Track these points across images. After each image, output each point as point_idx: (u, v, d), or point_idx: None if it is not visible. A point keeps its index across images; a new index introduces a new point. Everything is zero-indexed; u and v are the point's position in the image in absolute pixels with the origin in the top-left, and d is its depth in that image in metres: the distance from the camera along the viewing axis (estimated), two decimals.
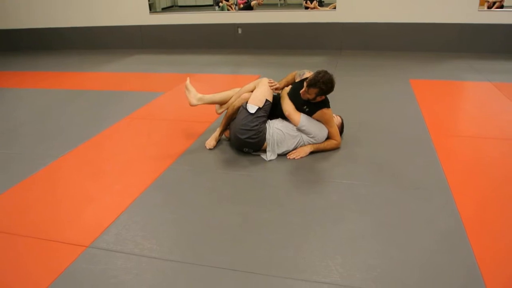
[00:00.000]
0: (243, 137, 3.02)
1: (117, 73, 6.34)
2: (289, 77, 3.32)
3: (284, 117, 3.15)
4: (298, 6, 7.92)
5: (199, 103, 3.31)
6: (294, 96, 3.12)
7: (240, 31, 7.79)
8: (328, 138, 3.17)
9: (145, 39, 8.29)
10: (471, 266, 1.92)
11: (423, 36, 6.94)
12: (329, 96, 3.11)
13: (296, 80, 3.22)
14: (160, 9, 8.93)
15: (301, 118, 3.06)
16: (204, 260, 2.02)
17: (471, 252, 2.00)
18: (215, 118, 3.83)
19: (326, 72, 2.93)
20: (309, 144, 3.12)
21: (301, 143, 3.11)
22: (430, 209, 2.38)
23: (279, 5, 8.92)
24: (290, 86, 3.28)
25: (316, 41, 7.51)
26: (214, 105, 3.45)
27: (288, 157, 3.08)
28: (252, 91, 3.18)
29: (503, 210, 2.36)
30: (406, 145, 3.28)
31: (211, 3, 8.82)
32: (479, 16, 6.61)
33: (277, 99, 3.21)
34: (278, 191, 2.67)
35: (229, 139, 3.35)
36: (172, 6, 9.76)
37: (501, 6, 6.69)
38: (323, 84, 2.88)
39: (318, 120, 3.12)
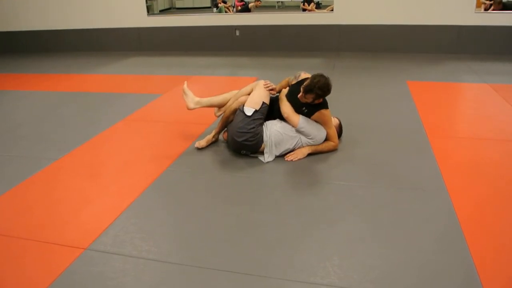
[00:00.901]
0: (240, 140, 3.02)
1: (115, 75, 6.34)
2: (283, 83, 3.36)
3: (282, 118, 3.16)
4: (295, 8, 7.93)
5: (197, 106, 3.33)
6: (292, 98, 3.12)
7: (238, 33, 7.80)
8: (326, 139, 3.18)
9: (143, 41, 8.29)
10: (468, 266, 1.92)
11: (420, 37, 6.96)
12: (326, 98, 3.11)
13: (292, 83, 3.22)
14: (158, 11, 8.93)
15: (299, 120, 3.07)
16: (202, 261, 2.02)
17: (468, 253, 2.01)
18: (213, 120, 3.84)
19: (321, 76, 2.94)
20: (307, 145, 3.13)
21: (299, 144, 3.12)
22: (428, 210, 2.39)
23: (276, 7, 8.93)
24: (287, 88, 3.29)
25: (314, 43, 7.52)
26: (212, 108, 3.46)
27: (286, 159, 3.08)
28: (249, 94, 3.18)
29: (500, 211, 2.37)
30: (403, 146, 3.29)
31: (209, 5, 8.84)
32: (475, 18, 6.63)
33: (274, 101, 3.22)
34: (276, 192, 2.67)
35: (226, 142, 3.35)
36: (170, 8, 9.76)
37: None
38: (319, 89, 2.90)
39: (316, 121, 3.13)
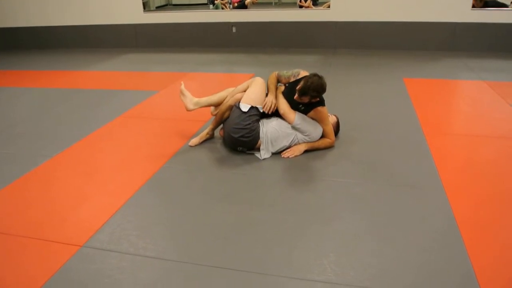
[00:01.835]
0: (236, 136, 3.02)
1: (111, 72, 6.31)
2: (272, 84, 3.19)
3: (279, 115, 3.15)
4: (292, 4, 7.92)
5: (196, 107, 3.30)
6: (289, 96, 3.12)
7: (234, 29, 7.78)
8: (322, 136, 3.18)
9: (139, 38, 8.26)
10: (464, 264, 1.93)
11: (416, 35, 6.97)
12: (324, 94, 3.11)
13: (291, 80, 3.20)
14: (154, 8, 8.90)
15: (295, 117, 3.07)
16: (199, 259, 2.02)
17: (465, 250, 2.02)
18: (209, 117, 3.83)
19: (315, 76, 2.94)
20: (304, 142, 3.13)
21: (296, 141, 3.12)
22: (424, 208, 2.40)
23: (273, 3, 8.92)
24: (282, 87, 3.28)
25: (311, 40, 7.51)
26: (207, 108, 3.46)
27: (282, 155, 3.08)
28: (245, 91, 3.18)
29: (496, 208, 2.38)
30: (400, 143, 3.30)
31: (205, 2, 8.81)
32: (472, 15, 6.64)
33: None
34: (273, 189, 2.67)
35: (223, 139, 3.35)
36: (166, 5, 9.73)
37: None
38: (313, 91, 2.91)
39: (313, 119, 3.13)
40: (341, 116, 3.54)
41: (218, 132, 3.48)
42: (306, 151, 3.12)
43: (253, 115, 3.04)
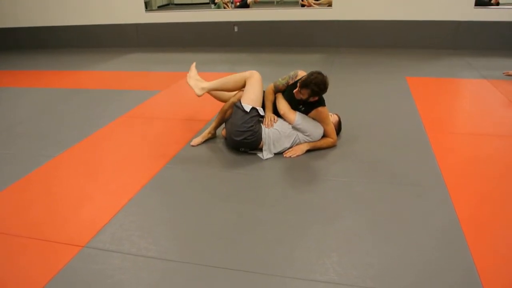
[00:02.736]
0: (239, 139, 3.02)
1: (113, 72, 6.32)
2: (268, 100, 3.19)
3: (280, 116, 3.15)
4: (294, 3, 7.90)
5: (204, 92, 3.24)
6: (290, 96, 3.11)
7: (236, 29, 7.78)
8: (324, 136, 3.17)
9: (141, 38, 8.26)
10: (467, 262, 1.92)
11: (419, 33, 6.95)
12: (325, 94, 3.10)
13: (290, 83, 3.16)
14: (156, 7, 8.90)
15: (296, 117, 3.06)
16: (201, 259, 2.02)
17: (467, 249, 2.01)
18: (211, 117, 3.83)
19: (319, 73, 2.92)
20: (305, 142, 3.12)
21: (297, 141, 3.11)
22: (427, 206, 2.39)
23: (275, 3, 8.89)
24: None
25: (313, 38, 7.50)
26: (208, 108, 3.47)
27: (284, 155, 3.07)
28: (243, 86, 3.19)
29: (498, 206, 2.37)
30: (402, 142, 3.28)
31: (207, 1, 8.79)
32: (475, 14, 6.61)
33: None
34: (274, 189, 2.66)
35: (225, 138, 3.34)
36: (168, 4, 9.72)
37: (497, 4, 6.69)
38: (315, 85, 2.87)
39: (313, 119, 3.12)
40: (343, 115, 3.53)
41: (220, 132, 3.47)
42: (308, 151, 3.11)
43: (255, 116, 3.04)
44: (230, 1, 8.00)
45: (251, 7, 7.95)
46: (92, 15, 8.28)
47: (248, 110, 3.00)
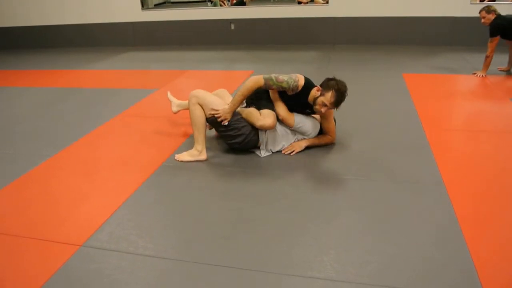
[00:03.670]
0: (235, 146, 3.06)
1: (109, 71, 6.30)
2: (242, 94, 2.89)
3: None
4: (291, 1, 7.90)
5: (179, 108, 3.52)
6: (292, 104, 3.02)
7: (233, 26, 7.76)
8: (323, 132, 3.17)
9: (137, 36, 8.24)
10: (465, 259, 1.93)
11: (416, 29, 6.95)
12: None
13: (289, 93, 2.93)
14: (153, 6, 8.88)
15: (295, 119, 3.04)
16: (199, 257, 2.01)
17: (465, 246, 2.01)
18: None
19: (336, 81, 2.86)
20: (304, 139, 3.11)
21: (295, 138, 3.10)
22: (424, 203, 2.39)
23: (272, 0, 8.89)
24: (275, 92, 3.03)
25: (309, 36, 7.50)
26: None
27: (283, 152, 3.07)
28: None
29: (497, 203, 2.37)
30: (399, 139, 3.29)
31: None
32: (471, 9, 6.61)
33: (263, 97, 3.09)
34: (273, 187, 2.66)
35: (219, 137, 3.34)
36: (164, 3, 9.71)
37: (493, 0, 6.70)
38: (346, 92, 2.87)
39: (313, 117, 3.12)
40: (340, 113, 3.51)
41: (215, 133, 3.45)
42: (306, 148, 3.11)
43: (236, 119, 2.96)
44: None
45: (247, 5, 7.94)
46: (88, 14, 8.25)
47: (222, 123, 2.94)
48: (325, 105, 2.83)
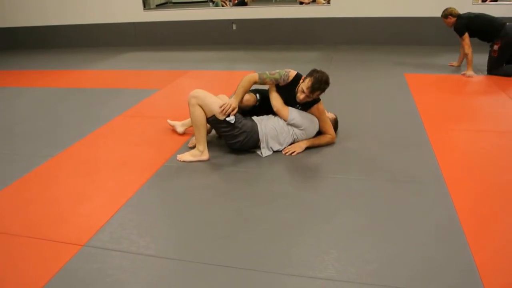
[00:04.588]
0: (235, 146, 3.06)
1: (111, 71, 6.31)
2: (243, 88, 3.01)
3: (274, 113, 3.13)
4: (292, 1, 7.91)
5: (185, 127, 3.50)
6: (285, 98, 3.09)
7: (234, 27, 7.77)
8: (321, 133, 3.17)
9: (139, 36, 8.25)
10: (466, 259, 1.93)
11: (417, 30, 6.94)
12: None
13: (281, 84, 3.07)
14: (154, 6, 8.90)
15: (289, 112, 3.05)
16: (200, 257, 2.02)
17: (467, 245, 2.01)
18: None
19: (318, 71, 2.92)
20: (302, 137, 3.11)
21: (295, 137, 3.10)
22: (426, 203, 2.39)
23: (273, 0, 8.90)
24: (272, 85, 3.15)
25: (311, 36, 7.50)
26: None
27: (283, 152, 3.08)
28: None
29: (498, 203, 2.37)
30: (401, 139, 3.29)
31: None
32: (473, 9, 6.59)
33: (266, 96, 3.19)
34: (273, 186, 2.67)
35: (219, 137, 3.35)
36: (166, 3, 9.73)
37: (495, 0, 6.70)
38: (326, 84, 2.90)
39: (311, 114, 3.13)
40: (342, 112, 3.53)
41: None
42: (306, 148, 3.11)
43: (237, 118, 2.98)
44: None
45: (249, 5, 7.95)
46: (89, 14, 8.27)
47: (228, 119, 2.94)
48: (303, 92, 2.91)
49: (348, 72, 5.47)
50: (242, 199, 2.54)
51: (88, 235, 2.22)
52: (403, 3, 6.86)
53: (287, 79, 3.05)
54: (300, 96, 2.95)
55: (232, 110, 2.91)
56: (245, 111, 3.19)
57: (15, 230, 2.30)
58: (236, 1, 8.03)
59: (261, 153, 3.06)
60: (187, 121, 3.46)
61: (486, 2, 6.70)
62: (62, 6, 8.31)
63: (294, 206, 2.42)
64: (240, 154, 3.10)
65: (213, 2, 8.12)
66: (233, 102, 2.94)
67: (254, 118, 3.12)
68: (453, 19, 5.09)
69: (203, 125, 2.98)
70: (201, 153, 3.02)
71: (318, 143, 3.15)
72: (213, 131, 3.44)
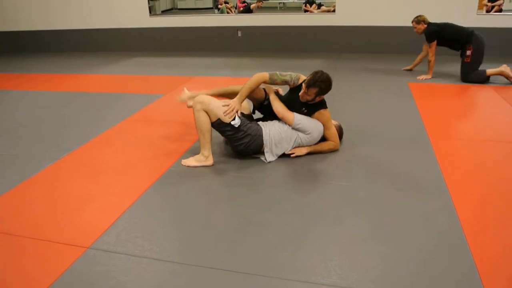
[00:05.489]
0: (240, 149, 3.06)
1: (117, 75, 6.35)
2: (249, 87, 3.04)
3: (279, 119, 3.15)
4: (297, 9, 7.95)
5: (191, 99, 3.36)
6: (292, 100, 3.13)
7: (239, 33, 7.82)
8: (325, 139, 3.19)
9: (145, 42, 8.31)
10: (469, 266, 1.93)
11: (421, 39, 6.94)
12: (328, 98, 3.13)
13: (290, 86, 3.16)
14: (160, 12, 8.96)
15: (295, 117, 3.07)
16: (204, 261, 2.03)
17: (469, 253, 2.02)
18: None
19: (322, 72, 2.97)
20: (306, 142, 3.12)
21: (299, 142, 3.11)
22: (429, 210, 2.39)
23: (278, 8, 8.95)
24: (274, 88, 3.25)
25: (315, 44, 7.53)
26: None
27: (286, 152, 3.10)
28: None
29: (500, 211, 2.37)
30: (405, 147, 3.29)
31: (211, 6, 8.85)
32: (477, 20, 6.63)
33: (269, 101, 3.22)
34: (277, 192, 2.68)
35: (226, 143, 3.36)
36: (171, 9, 9.78)
37: (500, 10, 6.73)
38: (322, 82, 2.91)
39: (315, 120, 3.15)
40: (346, 120, 3.55)
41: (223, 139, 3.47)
42: (310, 154, 3.12)
43: (242, 122, 3.00)
44: (233, 6, 8.05)
45: (254, 12, 8.00)
46: (96, 20, 8.34)
47: (233, 123, 2.96)
48: (302, 88, 2.97)
49: (353, 80, 5.49)
50: (246, 204, 2.55)
51: (92, 237, 2.23)
52: (408, 12, 6.86)
53: (297, 81, 3.12)
54: (300, 93, 3.01)
55: (235, 112, 2.95)
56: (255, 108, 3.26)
57: (20, 231, 2.32)
58: (242, 8, 8.08)
59: (265, 159, 3.07)
60: (195, 93, 3.40)
61: (491, 13, 6.73)
62: (69, 11, 8.39)
63: (298, 212, 2.43)
64: (244, 160, 3.12)
65: (218, 9, 8.17)
66: (235, 104, 2.97)
67: (260, 123, 3.14)
68: (424, 26, 5.40)
69: (208, 130, 2.99)
70: (205, 158, 3.04)
71: (320, 149, 3.16)
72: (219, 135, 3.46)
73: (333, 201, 2.54)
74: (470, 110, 4.26)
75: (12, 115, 4.50)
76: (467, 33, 5.18)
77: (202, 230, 2.29)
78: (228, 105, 2.96)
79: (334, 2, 7.25)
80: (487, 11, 6.75)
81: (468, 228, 2.21)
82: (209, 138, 3.03)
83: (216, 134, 3.11)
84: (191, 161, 3.07)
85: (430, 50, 5.39)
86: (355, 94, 4.83)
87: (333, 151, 3.21)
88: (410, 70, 5.92)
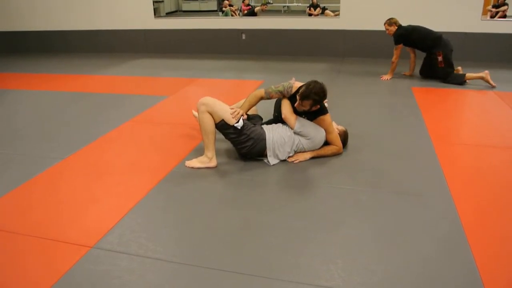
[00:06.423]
0: (243, 151, 3.08)
1: (121, 77, 6.38)
2: (249, 102, 3.15)
3: (283, 122, 3.17)
4: (301, 12, 7.97)
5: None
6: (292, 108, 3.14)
7: (244, 36, 7.84)
8: (327, 144, 3.20)
9: (149, 43, 8.34)
10: (471, 272, 1.93)
11: None
12: (331, 102, 3.13)
13: (286, 96, 3.15)
14: (165, 14, 9.00)
15: (297, 122, 3.08)
16: (207, 262, 2.03)
17: (472, 259, 2.02)
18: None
19: (316, 82, 2.96)
20: (308, 147, 3.13)
21: (300, 146, 3.12)
22: (431, 216, 2.40)
23: (282, 11, 8.98)
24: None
25: (319, 48, 7.55)
26: None
27: (288, 160, 3.10)
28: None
29: (503, 217, 2.37)
30: (408, 152, 3.30)
31: (215, 9, 8.89)
32: (482, 26, 6.64)
33: (278, 105, 3.23)
34: (279, 195, 2.68)
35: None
36: (176, 11, 9.83)
37: (504, 16, 6.73)
38: (315, 94, 2.91)
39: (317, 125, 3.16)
40: (349, 125, 3.55)
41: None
42: (313, 158, 3.13)
43: (245, 124, 3.02)
44: (238, 9, 8.07)
45: (258, 15, 8.03)
46: (101, 21, 8.37)
47: (236, 125, 2.97)
48: (297, 99, 2.99)
49: (355, 85, 5.50)
50: (249, 206, 2.56)
51: (96, 237, 2.24)
52: (412, 18, 6.87)
53: (291, 91, 3.12)
54: (296, 104, 3.03)
55: (241, 116, 2.99)
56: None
57: (23, 230, 2.33)
58: (246, 11, 8.11)
59: (269, 161, 3.08)
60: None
61: (495, 19, 6.73)
62: (74, 12, 8.43)
63: (300, 215, 2.43)
64: (247, 162, 3.13)
65: (223, 12, 8.21)
66: (242, 110, 3.04)
67: (264, 126, 3.15)
68: (395, 28, 5.63)
69: (212, 132, 3.01)
70: (209, 159, 3.05)
71: (323, 153, 3.17)
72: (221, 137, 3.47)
73: (337, 205, 2.54)
74: (473, 115, 4.26)
75: (17, 115, 4.52)
76: (435, 37, 5.41)
77: (205, 231, 2.30)
78: (234, 109, 3.00)
79: (338, 7, 7.27)
80: (491, 17, 6.76)
81: (471, 233, 2.21)
82: (213, 140, 3.04)
83: (220, 136, 3.12)
84: (195, 163, 3.08)
85: (395, 52, 5.62)
86: (358, 99, 4.84)
87: (336, 155, 3.21)
88: (410, 75, 5.97)
